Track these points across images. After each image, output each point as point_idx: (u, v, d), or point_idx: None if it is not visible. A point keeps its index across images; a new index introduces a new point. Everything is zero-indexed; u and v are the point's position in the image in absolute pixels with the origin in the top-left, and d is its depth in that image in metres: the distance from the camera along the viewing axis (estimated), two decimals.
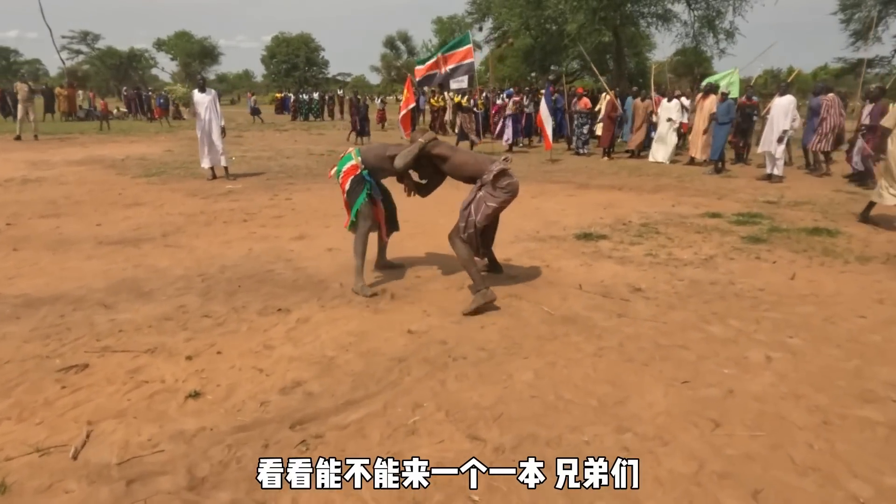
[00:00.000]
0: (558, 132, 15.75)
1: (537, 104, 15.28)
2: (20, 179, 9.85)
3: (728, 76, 14.97)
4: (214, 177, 10.34)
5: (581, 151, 14.56)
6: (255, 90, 66.77)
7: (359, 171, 4.62)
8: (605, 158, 13.62)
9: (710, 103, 12.14)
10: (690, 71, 41.93)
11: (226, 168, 10.54)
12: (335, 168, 4.71)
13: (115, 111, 29.02)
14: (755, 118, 12.97)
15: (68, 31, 77.33)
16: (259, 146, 16.15)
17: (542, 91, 16.05)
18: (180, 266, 5.12)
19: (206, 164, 10.36)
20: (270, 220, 7.06)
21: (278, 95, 36.41)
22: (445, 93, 19.44)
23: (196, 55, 65.54)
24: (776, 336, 3.71)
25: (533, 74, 35.16)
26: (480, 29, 38.24)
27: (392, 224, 5.05)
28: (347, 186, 4.70)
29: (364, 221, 4.63)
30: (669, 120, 12.91)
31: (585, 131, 14.88)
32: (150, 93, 28.46)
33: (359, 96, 20.30)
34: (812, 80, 48.94)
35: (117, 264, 5.15)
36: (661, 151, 13.21)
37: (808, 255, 5.55)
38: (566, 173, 11.41)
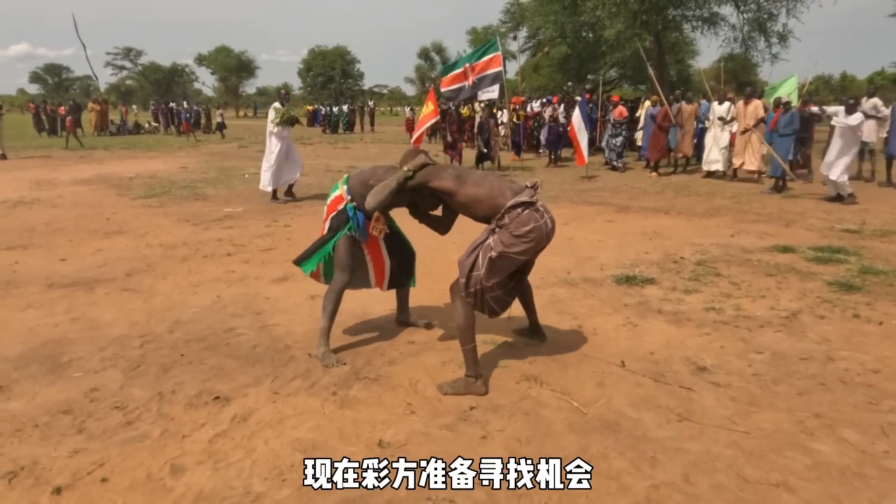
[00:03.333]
0: (590, 144, 14.55)
1: (568, 116, 14.09)
2: (13, 202, 9.23)
3: (787, 83, 13.52)
4: (277, 197, 9.52)
5: (616, 165, 13.29)
6: (295, 103, 67.42)
7: (343, 203, 3.61)
8: (653, 174, 12.31)
9: (754, 108, 10.80)
10: (735, 78, 39.94)
11: (290, 186, 9.68)
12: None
13: (146, 125, 29.10)
14: (818, 122, 11.52)
15: (112, 47, 79.96)
16: None
17: (578, 99, 14.88)
18: (125, 321, 4.18)
19: (275, 184, 9.41)
20: (258, 253, 6.12)
21: (309, 108, 36.09)
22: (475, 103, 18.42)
23: (234, 69, 66.43)
24: None
25: (569, 84, 33.88)
26: (515, 38, 37.25)
27: (403, 275, 3.98)
28: (327, 224, 3.70)
29: (341, 273, 3.60)
30: (721, 119, 11.57)
31: (619, 143, 13.61)
32: (180, 106, 28.32)
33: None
34: (867, 85, 46.15)
35: (53, 318, 4.25)
36: (714, 154, 11.85)
37: None
38: (603, 192, 10.20)
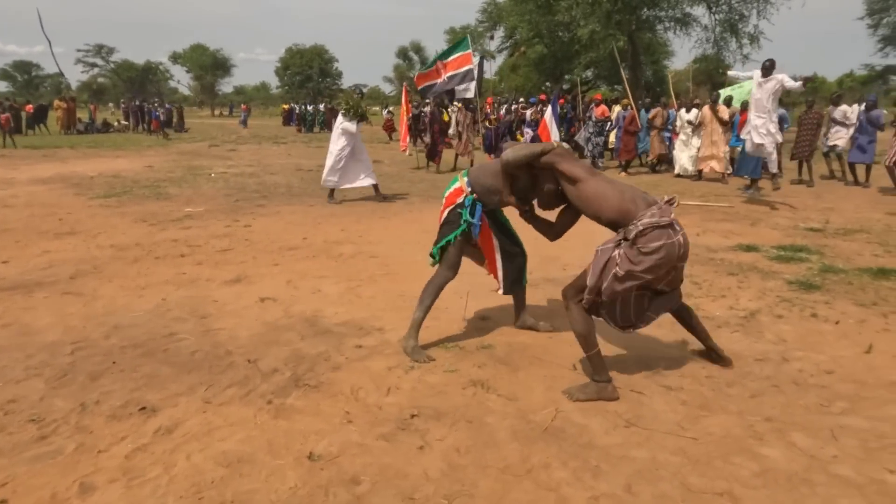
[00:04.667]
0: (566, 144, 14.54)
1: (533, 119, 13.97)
2: None
3: (749, 84, 13.62)
4: (333, 196, 9.10)
5: (598, 164, 13.28)
6: (272, 101, 66.31)
7: (462, 197, 3.43)
8: (623, 174, 12.33)
9: (721, 112, 10.90)
10: (710, 79, 40.48)
11: (375, 186, 9.27)
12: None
13: (116, 123, 28.45)
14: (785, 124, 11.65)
15: (83, 44, 78.17)
16: (247, 161, 15.13)
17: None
18: (60, 326, 3.96)
19: (341, 183, 8.95)
20: (213, 254, 5.91)
21: (285, 107, 35.64)
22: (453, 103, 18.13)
23: (209, 68, 65.39)
24: (868, 470, 2.42)
25: (547, 84, 33.94)
26: (492, 38, 37.25)
27: (515, 278, 3.81)
28: (444, 216, 3.54)
29: (446, 270, 3.55)
30: (690, 123, 11.61)
31: (601, 142, 13.62)
32: (152, 104, 27.76)
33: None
34: (837, 87, 47.01)
35: None
36: (684, 160, 11.90)
37: (881, 311, 4.23)
38: None
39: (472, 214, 3.43)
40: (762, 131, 8.23)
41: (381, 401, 2.96)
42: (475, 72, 12.05)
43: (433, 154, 13.20)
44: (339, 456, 2.48)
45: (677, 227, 2.89)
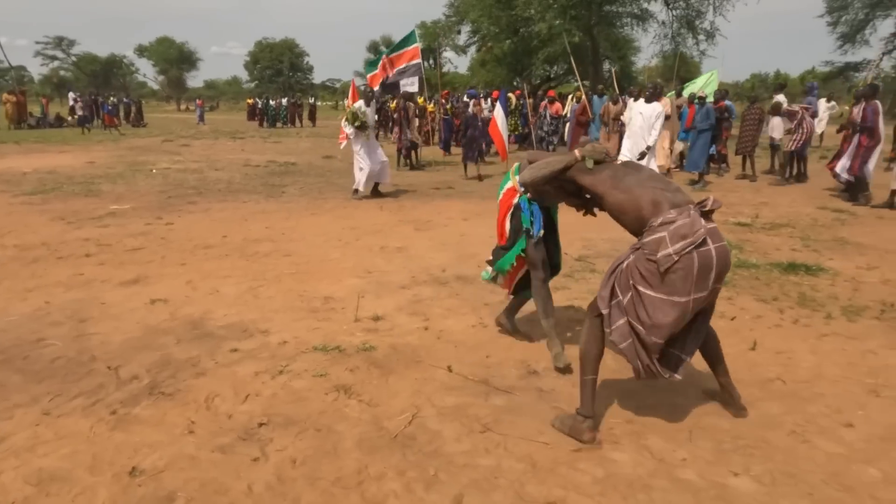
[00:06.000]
0: (523, 140, 14.50)
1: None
2: None
3: (707, 79, 13.74)
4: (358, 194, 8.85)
5: None
6: (243, 96, 64.79)
7: (517, 198, 3.25)
8: None
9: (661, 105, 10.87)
10: (677, 75, 40.88)
11: (377, 184, 9.01)
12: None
13: (69, 118, 27.56)
14: (731, 120, 11.78)
15: (42, 36, 75.87)
16: (196, 157, 14.75)
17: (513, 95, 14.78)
18: None
19: (373, 183, 8.81)
20: (121, 254, 5.67)
21: (249, 101, 34.99)
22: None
23: (174, 61, 63.95)
24: (713, 474, 2.36)
25: (517, 80, 33.89)
26: (459, 32, 37.11)
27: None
28: (508, 223, 3.36)
29: (535, 272, 3.32)
30: (641, 114, 11.62)
31: (556, 140, 13.60)
32: (107, 99, 26.96)
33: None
34: (800, 83, 47.94)
35: None
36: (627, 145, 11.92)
37: (778, 307, 4.22)
38: None
39: (532, 217, 3.20)
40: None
41: (234, 409, 2.81)
42: (422, 66, 11.90)
43: (408, 149, 12.86)
44: (163, 471, 2.33)
45: (710, 231, 2.34)
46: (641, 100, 8.80)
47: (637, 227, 2.52)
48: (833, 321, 3.97)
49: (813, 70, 50.42)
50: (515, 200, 3.32)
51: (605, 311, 2.51)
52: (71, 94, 25.67)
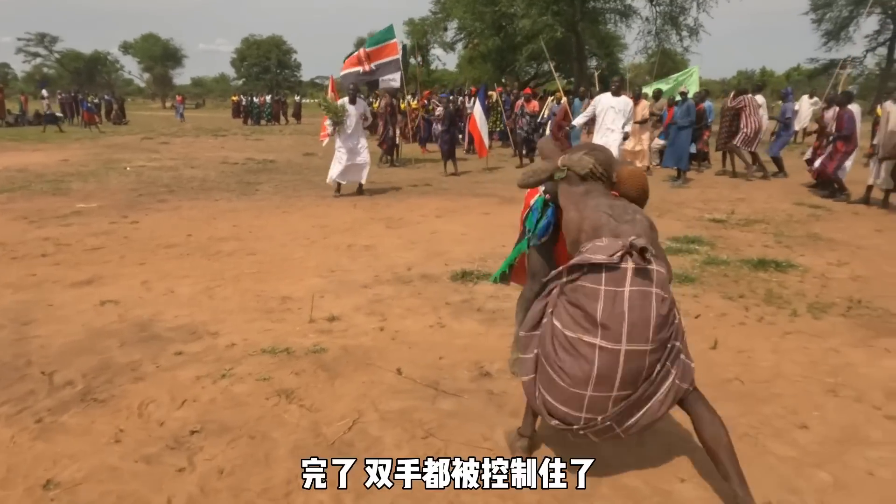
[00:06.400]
0: (506, 137, 14.40)
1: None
2: None
3: (685, 75, 13.73)
4: (339, 192, 8.74)
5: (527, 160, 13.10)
6: (231, 93, 64.04)
7: (534, 198, 3.02)
8: None
9: (641, 108, 10.87)
10: (664, 71, 40.95)
11: (360, 184, 8.87)
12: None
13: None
14: (709, 121, 11.76)
15: (24, 32, 74.81)
16: (173, 154, 14.52)
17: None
18: None
19: (338, 179, 8.64)
20: (79, 254, 5.50)
21: (234, 99, 34.65)
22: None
23: (159, 58, 63.22)
24: (658, 480, 2.27)
25: (505, 77, 33.75)
26: (445, 29, 36.92)
27: None
28: (525, 217, 3.10)
29: (530, 280, 2.97)
30: (613, 108, 11.56)
31: (535, 138, 13.46)
32: (83, 96, 26.58)
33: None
34: (786, 80, 48.23)
35: None
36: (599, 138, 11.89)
37: (744, 305, 4.15)
38: (497, 185, 9.97)
39: (541, 219, 2.91)
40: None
41: (168, 415, 2.69)
42: (401, 61, 11.75)
43: (391, 147, 12.68)
44: (80, 483, 2.21)
45: (633, 277, 1.99)
46: (608, 94, 8.72)
47: (573, 250, 2.26)
48: (798, 318, 3.90)
49: (798, 67, 50.73)
50: (532, 201, 3.06)
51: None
52: (44, 92, 25.14)
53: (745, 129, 10.26)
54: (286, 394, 2.87)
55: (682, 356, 2.11)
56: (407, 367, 3.16)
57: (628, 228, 2.14)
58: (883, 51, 39.67)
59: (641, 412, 2.05)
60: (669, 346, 2.05)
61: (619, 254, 2.00)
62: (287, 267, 5.09)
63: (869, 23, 37.34)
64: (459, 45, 36.88)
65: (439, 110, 13.22)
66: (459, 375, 3.09)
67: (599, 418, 2.04)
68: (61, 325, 3.79)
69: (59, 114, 23.95)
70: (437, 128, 12.66)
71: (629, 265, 2.01)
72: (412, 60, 23.45)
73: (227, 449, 2.43)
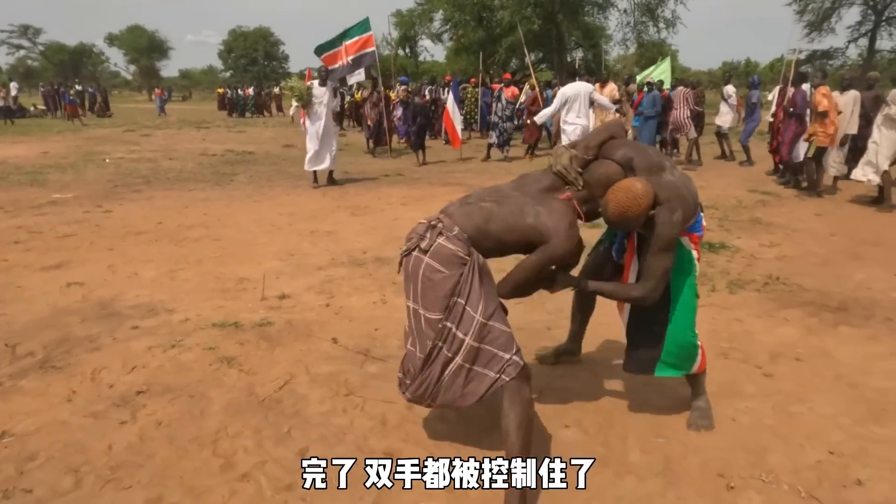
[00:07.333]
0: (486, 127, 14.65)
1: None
2: None
3: (660, 65, 14.00)
4: (317, 181, 8.93)
5: (503, 152, 13.27)
6: (218, 85, 63.65)
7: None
8: (528, 156, 12.45)
9: (609, 91, 11.15)
10: (639, 62, 41.30)
11: (331, 172, 9.06)
12: None
13: (32, 108, 27.08)
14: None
15: (7, 24, 73.96)
16: (154, 146, 14.67)
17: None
18: None
19: (307, 167, 8.86)
20: (50, 241, 5.74)
21: (220, 91, 34.62)
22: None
23: (144, 50, 62.81)
24: (549, 425, 2.58)
25: (493, 68, 33.89)
26: (431, 20, 36.94)
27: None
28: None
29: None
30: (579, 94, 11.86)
31: (509, 127, 13.68)
32: (69, 88, 26.52)
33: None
34: (769, 71, 48.65)
35: None
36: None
37: None
38: (467, 174, 10.26)
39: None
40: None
41: (118, 379, 2.97)
42: (375, 55, 11.94)
43: (380, 137, 12.92)
44: (32, 434, 2.49)
45: (411, 238, 2.30)
46: (570, 84, 8.90)
47: None
48: (714, 294, 4.23)
49: (782, 58, 51.18)
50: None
51: None
52: (13, 84, 24.99)
53: (669, 120, 11.08)
54: (228, 360, 3.16)
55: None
56: (343, 337, 3.46)
57: (454, 207, 2.34)
58: (864, 41, 40.12)
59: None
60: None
61: (414, 240, 2.27)
62: (249, 251, 5.36)
63: (851, 13, 37.70)
64: (446, 37, 36.99)
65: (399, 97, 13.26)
66: (390, 344, 3.39)
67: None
68: (27, 304, 4.05)
69: (31, 109, 23.82)
70: (396, 114, 12.78)
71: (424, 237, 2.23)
72: (400, 51, 23.54)
73: (167, 405, 2.72)
